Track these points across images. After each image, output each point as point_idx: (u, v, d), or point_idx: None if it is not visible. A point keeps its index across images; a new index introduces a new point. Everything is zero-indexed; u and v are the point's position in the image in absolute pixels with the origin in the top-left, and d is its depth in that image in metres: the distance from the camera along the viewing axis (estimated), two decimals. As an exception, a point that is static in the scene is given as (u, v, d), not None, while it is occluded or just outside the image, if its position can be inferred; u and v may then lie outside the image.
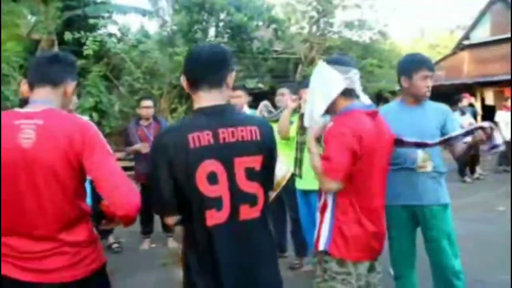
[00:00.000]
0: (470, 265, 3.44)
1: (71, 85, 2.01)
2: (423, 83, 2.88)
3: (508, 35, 13.47)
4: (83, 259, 1.88)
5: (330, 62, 2.30)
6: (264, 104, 4.96)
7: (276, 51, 14.04)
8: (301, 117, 2.48)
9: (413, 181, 2.88)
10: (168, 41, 11.41)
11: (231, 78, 1.86)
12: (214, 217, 1.73)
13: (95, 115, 9.28)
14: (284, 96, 4.59)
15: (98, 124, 8.00)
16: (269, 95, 7.02)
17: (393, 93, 14.11)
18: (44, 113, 1.85)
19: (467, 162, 9.49)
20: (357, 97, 2.29)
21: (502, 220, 6.07)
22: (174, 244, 5.47)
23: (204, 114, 1.80)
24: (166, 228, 5.46)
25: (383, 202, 2.34)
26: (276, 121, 4.42)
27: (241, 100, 4.89)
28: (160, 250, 5.46)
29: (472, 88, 14.21)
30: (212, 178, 1.73)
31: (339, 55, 2.70)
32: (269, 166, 1.88)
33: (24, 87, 3.96)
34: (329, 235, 2.22)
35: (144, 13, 12.09)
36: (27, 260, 1.82)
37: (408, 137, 2.59)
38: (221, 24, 12.35)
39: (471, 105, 10.80)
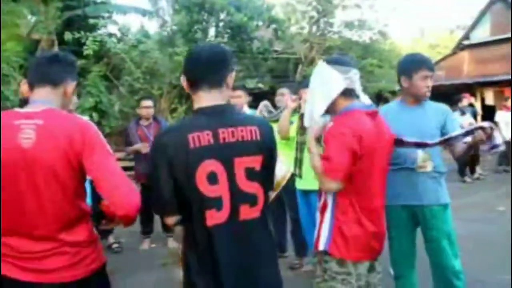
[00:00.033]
0: (470, 265, 3.44)
1: (71, 85, 2.01)
2: (423, 83, 2.88)
3: (508, 35, 13.47)
4: (83, 259, 1.88)
5: (330, 62, 2.31)
6: (264, 104, 4.96)
7: (276, 51, 14.05)
8: (301, 117, 2.48)
9: (413, 181, 2.88)
10: (168, 41, 11.41)
11: (231, 78, 1.86)
12: (214, 217, 1.73)
13: (95, 115, 9.28)
14: (284, 96, 4.59)
15: (98, 124, 8.00)
16: (269, 95, 7.02)
17: (393, 93, 14.11)
18: (44, 113, 1.85)
19: (467, 162, 9.49)
20: (357, 97, 2.29)
21: (502, 220, 6.07)
22: (174, 244, 5.47)
23: (204, 114, 1.80)
24: (166, 228, 5.45)
25: (383, 202, 2.34)
26: (276, 121, 4.41)
27: (241, 100, 4.89)
28: (160, 250, 5.46)
29: (472, 88, 14.21)
30: (212, 178, 1.72)
31: (339, 55, 2.70)
32: (269, 166, 1.88)
33: (24, 87, 3.96)
34: (329, 235, 2.22)
35: (144, 13, 12.09)
36: (27, 260, 1.82)
37: (408, 137, 2.59)
38: (221, 24, 12.35)
39: (471, 105, 10.80)
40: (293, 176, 4.02)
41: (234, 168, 1.76)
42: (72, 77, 2.02)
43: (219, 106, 1.81)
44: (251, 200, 1.79)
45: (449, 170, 3.19)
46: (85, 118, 3.86)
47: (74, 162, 1.81)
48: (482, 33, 15.97)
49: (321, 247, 2.24)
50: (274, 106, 4.93)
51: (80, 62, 9.77)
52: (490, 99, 14.68)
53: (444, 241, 2.90)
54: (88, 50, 9.50)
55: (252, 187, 1.79)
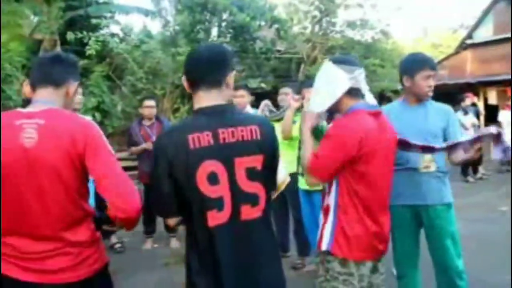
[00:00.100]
0: (472, 265, 3.44)
1: (73, 86, 2.01)
2: (426, 82, 2.87)
3: (512, 34, 13.43)
4: (85, 259, 1.89)
5: (336, 61, 2.31)
6: (265, 103, 4.96)
7: (278, 51, 14.04)
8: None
9: (417, 181, 2.88)
10: (170, 41, 11.41)
11: (231, 78, 1.86)
12: (216, 218, 1.73)
13: (97, 115, 9.27)
14: (287, 96, 4.59)
15: (101, 124, 8.01)
16: (272, 94, 7.02)
17: (396, 93, 14.08)
18: (46, 112, 1.85)
19: (470, 162, 9.47)
20: (363, 96, 2.29)
21: (504, 220, 6.06)
22: (176, 244, 5.48)
23: (204, 114, 1.80)
24: (169, 228, 5.46)
25: (388, 203, 2.33)
26: (278, 120, 4.42)
27: (244, 100, 4.90)
28: (162, 250, 5.47)
29: (475, 88, 14.17)
30: (213, 179, 1.72)
31: (344, 55, 2.71)
32: (271, 165, 1.87)
33: (26, 88, 3.97)
34: (332, 235, 2.21)
35: (146, 13, 12.08)
36: (29, 260, 1.82)
37: (413, 139, 2.60)
38: (223, 24, 12.35)
39: (474, 104, 10.78)
40: (296, 175, 4.02)
41: (235, 168, 1.75)
42: (74, 77, 2.03)
43: (219, 106, 1.81)
44: (252, 200, 1.79)
45: (452, 169, 3.18)
46: (88, 118, 3.88)
47: (76, 162, 1.81)
48: (485, 33, 15.93)
49: (323, 247, 2.24)
50: (277, 105, 4.93)
51: (82, 62, 9.78)
52: (493, 99, 14.63)
53: (448, 241, 2.89)
54: (90, 50, 9.50)
55: (253, 187, 1.79)
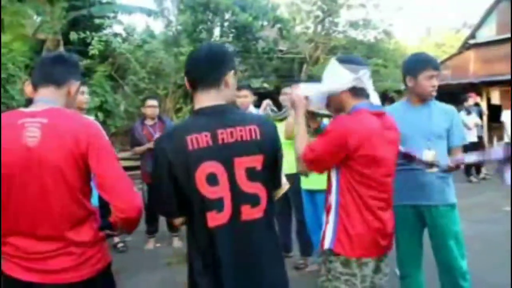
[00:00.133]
0: (476, 266, 3.43)
1: (74, 85, 2.01)
2: (429, 82, 2.86)
3: (515, 34, 13.39)
4: (88, 259, 1.88)
5: (341, 60, 2.31)
6: (267, 103, 4.96)
7: (281, 50, 14.05)
8: (306, 115, 2.48)
9: (420, 181, 2.87)
10: (173, 41, 11.44)
11: (230, 77, 1.84)
12: (215, 219, 1.73)
13: (100, 114, 9.31)
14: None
15: (103, 123, 8.03)
16: (274, 94, 7.02)
17: (399, 93, 14.08)
18: (49, 111, 1.85)
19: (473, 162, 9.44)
20: (368, 96, 2.29)
21: (508, 220, 6.03)
22: (179, 243, 5.48)
23: (203, 114, 1.80)
24: (171, 228, 5.47)
25: (390, 201, 2.32)
26: (281, 120, 4.42)
27: (247, 100, 4.90)
28: (165, 250, 5.48)
29: (478, 88, 14.13)
30: (212, 180, 1.72)
31: (347, 55, 2.71)
32: (271, 165, 1.86)
33: (28, 88, 3.97)
34: (334, 234, 2.21)
35: (149, 13, 12.11)
36: (32, 260, 1.82)
37: (417, 139, 2.65)
38: (226, 24, 12.37)
39: (477, 104, 10.75)
40: (298, 175, 4.02)
41: (235, 169, 1.75)
42: (76, 77, 2.03)
43: (218, 106, 1.80)
44: (253, 200, 1.78)
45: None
46: (91, 117, 3.89)
47: (79, 161, 1.81)
48: (488, 32, 15.88)
49: (326, 245, 2.23)
50: (279, 105, 4.93)
51: (85, 62, 9.81)
52: (496, 99, 14.58)
53: (451, 242, 2.89)
54: (93, 50, 9.54)
55: (254, 188, 1.78)
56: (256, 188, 1.79)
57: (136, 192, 1.91)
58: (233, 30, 12.25)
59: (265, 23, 12.91)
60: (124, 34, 11.90)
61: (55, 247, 1.82)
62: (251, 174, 1.77)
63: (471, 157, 2.71)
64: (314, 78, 2.81)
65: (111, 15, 12.78)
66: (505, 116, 10.48)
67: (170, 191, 1.76)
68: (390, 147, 2.27)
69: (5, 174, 1.77)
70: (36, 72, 2.00)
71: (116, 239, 5.46)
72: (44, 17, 10.72)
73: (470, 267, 2.95)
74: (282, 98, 4.79)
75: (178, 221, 1.88)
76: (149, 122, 5.56)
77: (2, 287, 1.88)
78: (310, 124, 2.53)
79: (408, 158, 2.69)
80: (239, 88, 4.70)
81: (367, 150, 2.12)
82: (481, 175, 9.94)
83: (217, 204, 1.73)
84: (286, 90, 4.75)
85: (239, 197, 1.75)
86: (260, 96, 6.57)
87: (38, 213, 1.80)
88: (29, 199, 1.79)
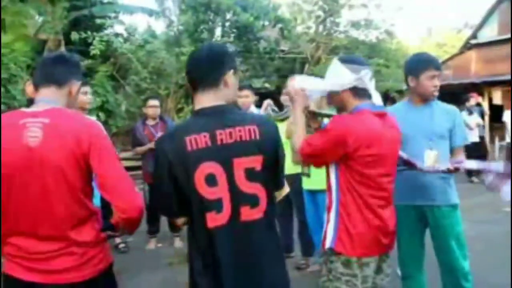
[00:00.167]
0: (478, 266, 3.42)
1: (76, 85, 2.01)
2: (430, 82, 2.86)
3: (517, 34, 13.37)
4: (90, 259, 1.88)
5: (343, 60, 2.31)
6: (268, 102, 4.96)
7: (282, 50, 14.05)
8: (307, 115, 2.48)
9: (422, 181, 2.86)
10: (174, 41, 11.45)
11: (230, 77, 1.84)
12: (214, 219, 1.73)
13: (101, 114, 9.31)
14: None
15: (105, 123, 8.04)
16: (275, 94, 7.03)
17: (400, 93, 14.07)
18: (50, 112, 1.85)
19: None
20: (370, 97, 2.29)
21: (509, 221, 6.03)
22: (180, 243, 5.48)
23: (203, 115, 1.80)
24: (173, 228, 5.47)
25: (391, 200, 2.31)
26: (282, 120, 4.41)
27: (248, 100, 4.89)
28: (166, 250, 5.47)
29: (479, 88, 14.11)
30: (211, 180, 1.72)
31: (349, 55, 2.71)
32: (271, 166, 1.85)
33: (29, 88, 3.98)
34: (335, 233, 2.21)
35: (150, 13, 12.12)
36: (35, 260, 1.82)
37: (419, 140, 2.68)
38: (227, 24, 12.37)
39: (478, 104, 10.74)
40: (300, 176, 4.01)
41: (234, 169, 1.75)
42: (77, 77, 2.03)
43: (218, 107, 1.80)
44: (252, 201, 1.78)
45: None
46: (92, 117, 3.89)
47: (81, 161, 1.81)
48: (490, 32, 15.85)
49: (327, 244, 2.23)
50: (280, 105, 4.93)
51: (86, 62, 9.81)
52: (497, 99, 14.57)
53: (453, 242, 2.88)
54: (94, 50, 9.54)
55: (253, 188, 1.78)
56: (256, 189, 1.78)
57: (137, 192, 1.91)
58: (234, 30, 12.25)
59: (267, 23, 12.91)
60: (125, 34, 11.91)
61: (56, 247, 1.82)
62: (251, 174, 1.77)
63: (472, 164, 2.70)
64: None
65: (113, 15, 12.78)
66: (506, 116, 10.47)
67: (171, 191, 1.76)
68: (392, 147, 2.27)
69: (6, 174, 1.77)
70: (38, 72, 2.00)
71: (118, 240, 5.46)
72: (45, 17, 10.74)
73: (472, 267, 2.94)
74: (283, 98, 4.79)
75: (180, 221, 1.89)
76: (150, 122, 5.55)
77: (4, 287, 1.88)
78: (311, 124, 2.53)
79: (408, 165, 2.69)
80: (241, 88, 4.70)
81: (367, 150, 2.12)
82: (482, 176, 9.92)
83: (216, 205, 1.73)
84: (286, 91, 4.75)
85: (238, 198, 1.75)
86: (262, 96, 6.57)
87: (39, 213, 1.80)
88: (30, 199, 1.79)
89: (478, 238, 4.97)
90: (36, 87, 1.97)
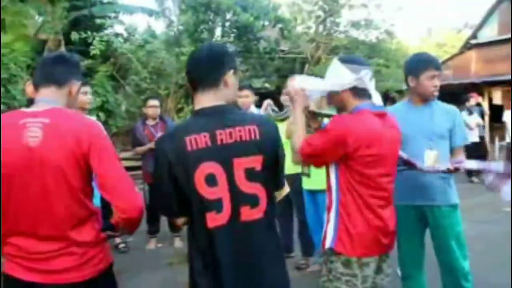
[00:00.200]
0: (478, 266, 3.42)
1: (76, 85, 2.01)
2: (431, 82, 2.86)
3: (517, 34, 13.36)
4: (90, 259, 1.88)
5: (343, 60, 2.31)
6: (268, 102, 4.96)
7: (282, 50, 14.05)
8: (307, 115, 2.48)
9: (422, 181, 2.86)
10: (174, 41, 11.45)
11: (229, 77, 1.84)
12: (214, 219, 1.73)
13: (101, 114, 9.31)
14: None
15: (105, 123, 8.04)
16: (275, 94, 7.02)
17: (400, 93, 14.07)
18: (51, 112, 1.85)
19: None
20: (370, 97, 2.29)
21: (509, 221, 6.03)
22: (180, 243, 5.48)
23: (203, 115, 1.80)
24: (173, 228, 5.47)
25: (391, 199, 2.31)
26: (282, 120, 4.41)
27: (248, 100, 4.89)
28: (166, 250, 5.47)
29: (479, 88, 14.10)
30: (211, 180, 1.72)
31: (350, 55, 2.71)
32: (271, 166, 1.85)
33: (29, 88, 3.98)
34: (335, 233, 2.21)
35: (150, 13, 12.12)
36: (35, 260, 1.82)
37: (419, 140, 2.69)
38: (227, 24, 12.38)
39: (478, 104, 10.74)
40: (300, 176, 4.01)
41: (234, 169, 1.75)
42: (77, 77, 2.03)
43: (218, 107, 1.80)
44: (252, 201, 1.78)
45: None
46: (92, 117, 3.89)
47: (81, 161, 1.81)
48: (490, 32, 15.84)
49: (327, 244, 2.23)
50: (280, 105, 4.92)
51: (86, 62, 9.81)
52: (498, 99, 14.57)
53: (453, 242, 2.88)
54: (94, 50, 9.54)
55: (253, 188, 1.78)
56: (256, 189, 1.78)
57: (137, 192, 1.92)
58: (234, 30, 12.25)
59: (267, 23, 12.91)
60: (125, 34, 11.91)
61: (56, 247, 1.82)
62: (251, 174, 1.77)
63: (472, 164, 2.70)
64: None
65: (112, 15, 12.79)
66: (506, 116, 10.46)
67: (171, 191, 1.76)
68: (392, 147, 2.27)
69: (6, 174, 1.77)
70: (37, 72, 2.00)
71: (118, 240, 5.46)
72: (45, 17, 10.74)
73: (472, 267, 2.94)
74: (283, 98, 4.79)
75: (180, 221, 1.89)
76: (150, 122, 5.55)
77: (4, 287, 1.88)
78: (311, 124, 2.53)
79: (408, 165, 2.69)
80: (241, 88, 4.70)
81: (368, 150, 2.12)
82: (482, 176, 9.91)
83: (216, 205, 1.73)
84: (286, 91, 4.75)
85: (238, 198, 1.75)
86: (262, 96, 6.57)
87: (39, 213, 1.80)
88: (30, 199, 1.79)
89: (478, 238, 4.97)
90: (36, 87, 1.97)
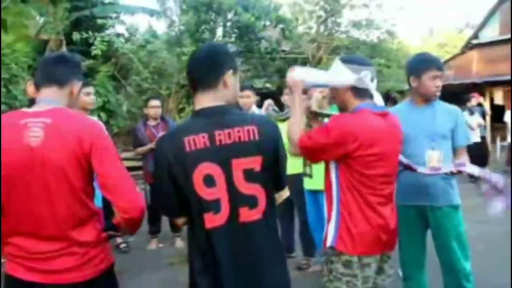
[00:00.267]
0: (480, 266, 3.41)
1: (77, 85, 2.01)
2: (432, 83, 2.86)
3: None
4: (91, 259, 1.88)
5: (345, 60, 2.30)
6: (269, 102, 4.95)
7: (283, 51, 14.03)
8: (308, 115, 2.48)
9: (423, 181, 2.85)
10: (176, 41, 11.44)
11: (229, 77, 1.83)
12: (212, 220, 1.73)
13: (103, 115, 9.31)
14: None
15: (106, 123, 8.04)
16: (277, 94, 7.02)
17: (401, 93, 14.05)
18: (52, 112, 1.85)
19: (476, 163, 9.41)
20: (371, 97, 2.28)
21: (509, 221, 6.00)
22: (181, 243, 5.48)
23: (202, 115, 1.80)
24: (174, 228, 5.47)
25: (392, 198, 2.31)
26: (283, 120, 4.40)
27: (249, 100, 4.89)
28: (167, 250, 5.47)
29: (481, 88, 14.09)
30: (209, 181, 1.72)
31: (351, 55, 2.71)
32: (272, 166, 1.84)
33: (30, 88, 3.98)
34: (336, 231, 2.20)
35: (152, 13, 12.12)
36: (36, 260, 1.82)
37: (421, 140, 2.69)
38: (228, 24, 12.37)
39: (480, 104, 10.71)
40: (301, 176, 4.01)
41: (232, 170, 1.74)
42: (78, 77, 2.03)
43: (218, 107, 1.80)
44: (251, 202, 1.77)
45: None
46: (93, 118, 3.89)
47: (82, 161, 1.81)
48: (491, 32, 15.86)
49: (328, 243, 2.23)
50: (281, 105, 4.92)
51: (88, 62, 9.82)
52: (499, 99, 14.56)
53: (454, 243, 2.87)
54: (96, 50, 9.54)
55: (252, 189, 1.77)
56: (254, 190, 1.78)
57: (138, 192, 1.92)
58: (235, 30, 12.25)
59: (268, 23, 12.90)
60: (126, 34, 11.91)
61: (58, 247, 1.83)
62: (249, 175, 1.76)
63: (474, 169, 2.70)
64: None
65: (114, 15, 12.80)
66: (508, 116, 10.44)
67: (171, 191, 1.77)
68: (393, 146, 2.26)
69: (8, 174, 1.77)
70: (39, 72, 2.00)
71: (119, 240, 5.46)
72: (47, 18, 10.75)
73: (473, 267, 2.94)
74: (284, 98, 4.78)
75: (180, 220, 1.89)
76: (151, 122, 5.55)
77: (5, 287, 1.88)
78: (312, 124, 2.53)
79: (409, 169, 2.69)
80: (242, 88, 4.69)
81: (369, 149, 2.12)
82: (480, 182, 9.88)
83: (214, 206, 1.73)
84: (287, 90, 4.75)
85: (236, 199, 1.74)
86: (263, 96, 6.58)
87: (40, 213, 1.80)
88: (31, 199, 1.79)
89: (479, 238, 4.96)
90: (38, 87, 1.97)
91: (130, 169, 1.96)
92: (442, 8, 55.32)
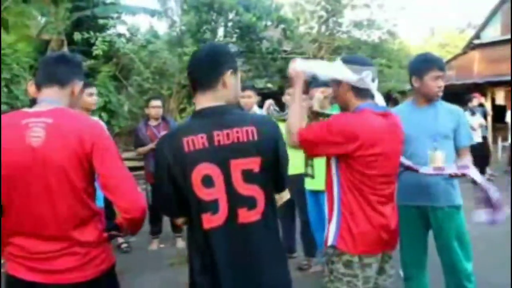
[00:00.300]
0: (481, 267, 3.41)
1: (78, 85, 2.01)
2: (434, 83, 2.85)
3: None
4: (93, 260, 1.89)
5: (345, 60, 2.30)
6: (270, 102, 4.95)
7: (285, 51, 14.02)
8: (310, 115, 2.48)
9: (425, 182, 2.85)
10: (177, 41, 11.44)
11: (228, 77, 1.82)
12: (210, 221, 1.73)
13: (104, 115, 9.31)
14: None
15: (108, 124, 8.04)
16: (278, 94, 7.01)
17: (403, 93, 14.04)
18: (54, 112, 1.85)
19: (478, 163, 9.40)
20: (372, 97, 2.28)
21: (509, 221, 5.99)
22: (182, 244, 5.48)
23: (202, 116, 1.80)
24: (175, 228, 5.47)
25: (393, 197, 2.31)
26: (284, 120, 4.40)
27: (251, 100, 4.88)
28: (168, 250, 5.47)
29: (482, 88, 14.08)
30: (207, 181, 1.72)
31: (352, 55, 2.71)
32: (272, 167, 1.83)
33: (31, 88, 3.99)
34: (337, 230, 2.20)
35: (153, 13, 12.12)
36: (37, 260, 1.82)
37: (423, 140, 2.69)
38: (230, 24, 12.37)
39: (481, 105, 10.71)
40: (302, 176, 4.01)
41: (230, 171, 1.74)
42: (79, 77, 2.03)
43: (217, 108, 1.80)
44: (249, 203, 1.77)
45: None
46: (95, 118, 3.90)
47: (84, 161, 1.81)
48: (493, 32, 15.85)
49: (329, 242, 2.23)
50: (282, 105, 4.92)
51: (89, 62, 9.83)
52: (500, 99, 14.54)
53: (456, 243, 2.87)
54: (97, 50, 9.54)
55: (250, 190, 1.76)
56: (253, 191, 1.77)
57: (140, 192, 1.92)
58: (237, 30, 12.24)
59: (269, 23, 12.88)
60: (128, 35, 11.91)
61: (59, 247, 1.83)
62: (248, 176, 1.76)
63: (477, 176, 2.69)
64: (318, 78, 2.82)
65: (115, 15, 12.81)
66: (509, 116, 10.42)
67: (170, 191, 1.77)
68: (395, 146, 2.26)
69: (9, 174, 1.78)
70: (40, 72, 2.00)
71: (120, 240, 5.47)
72: (48, 18, 10.76)
73: (475, 268, 2.93)
74: (285, 98, 4.78)
75: (179, 220, 1.90)
76: (153, 122, 5.55)
77: (6, 287, 1.88)
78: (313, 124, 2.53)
79: (410, 170, 2.69)
80: (243, 88, 4.68)
81: (371, 149, 2.12)
82: (486, 176, 9.89)
83: (212, 206, 1.73)
84: (290, 90, 4.74)
85: (235, 200, 1.74)
86: (264, 96, 6.57)
87: (42, 213, 1.80)
88: (33, 199, 1.79)
89: (480, 238, 4.93)
90: (39, 87, 1.97)
91: (131, 169, 1.96)
92: (443, 8, 55.28)
